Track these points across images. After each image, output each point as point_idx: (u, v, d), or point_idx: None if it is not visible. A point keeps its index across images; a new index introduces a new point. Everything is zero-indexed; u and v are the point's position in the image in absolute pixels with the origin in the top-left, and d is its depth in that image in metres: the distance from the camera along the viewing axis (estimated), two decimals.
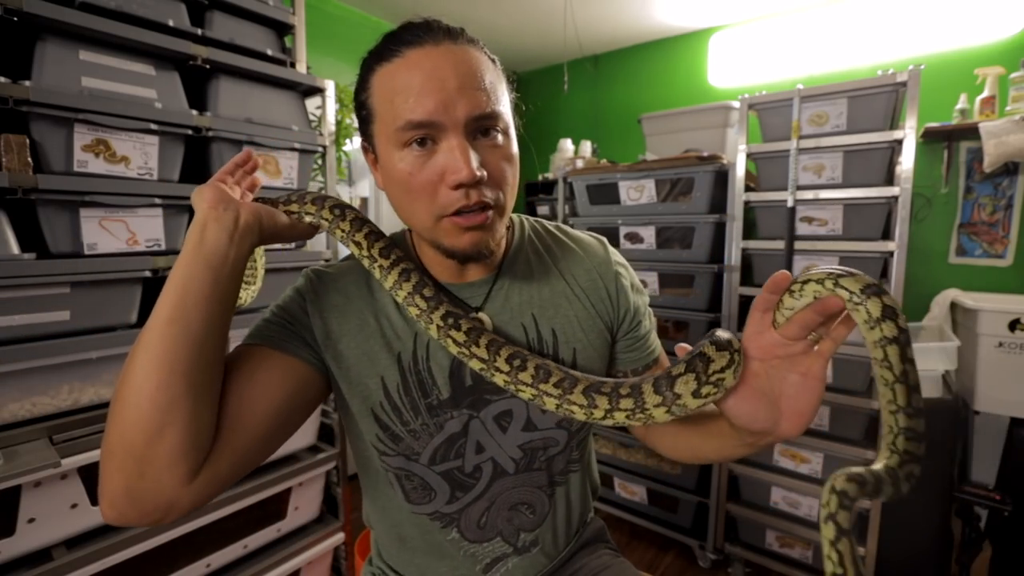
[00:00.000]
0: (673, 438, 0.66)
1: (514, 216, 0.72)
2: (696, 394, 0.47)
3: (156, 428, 0.45)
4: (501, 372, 0.54)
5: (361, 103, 0.59)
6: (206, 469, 0.49)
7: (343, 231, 0.61)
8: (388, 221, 3.09)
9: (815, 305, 0.44)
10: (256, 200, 0.61)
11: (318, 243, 1.99)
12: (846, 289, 0.44)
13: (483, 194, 0.54)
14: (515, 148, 0.59)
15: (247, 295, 0.73)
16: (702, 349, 0.47)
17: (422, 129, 0.53)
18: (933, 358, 1.66)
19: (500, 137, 0.56)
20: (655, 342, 0.73)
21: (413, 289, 0.58)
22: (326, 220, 0.61)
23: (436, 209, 0.55)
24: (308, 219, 0.61)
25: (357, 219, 0.61)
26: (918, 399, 0.44)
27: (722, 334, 0.48)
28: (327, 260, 1.53)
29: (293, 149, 1.41)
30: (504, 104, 0.57)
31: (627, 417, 0.49)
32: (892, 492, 0.42)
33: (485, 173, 0.54)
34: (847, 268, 0.45)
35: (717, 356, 0.46)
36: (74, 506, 1.02)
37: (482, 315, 0.63)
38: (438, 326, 0.56)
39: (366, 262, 0.61)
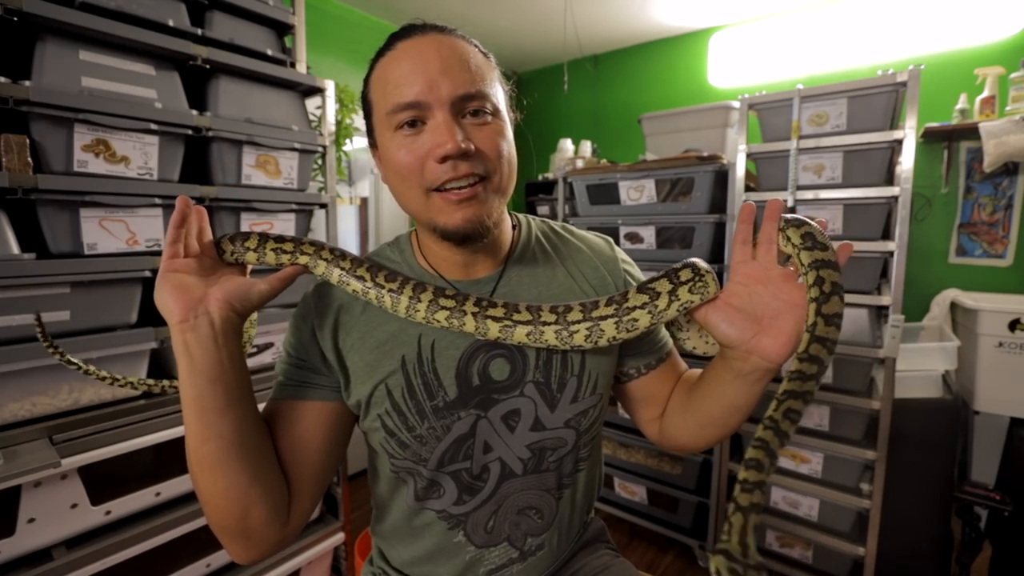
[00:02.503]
0: (683, 415, 0.67)
1: (520, 216, 0.73)
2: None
3: (241, 512, 0.54)
4: (550, 324, 0.55)
5: (364, 99, 0.62)
6: (293, 511, 0.58)
7: (343, 269, 0.60)
8: (388, 222, 3.09)
9: (766, 212, 0.53)
10: (227, 239, 0.59)
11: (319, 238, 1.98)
12: (790, 241, 0.52)
13: (472, 167, 0.55)
14: (508, 130, 0.60)
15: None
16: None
17: (410, 110, 0.55)
18: (933, 358, 1.66)
19: (489, 117, 0.57)
20: (666, 336, 0.73)
21: (434, 295, 0.58)
22: (324, 260, 0.61)
23: (425, 183, 0.56)
24: (303, 260, 0.61)
25: (356, 258, 0.62)
26: (818, 349, 0.46)
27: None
28: None
29: (293, 149, 1.41)
30: (493, 88, 0.58)
31: (690, 290, 0.54)
32: (779, 442, 0.43)
33: (472, 146, 0.55)
34: (799, 218, 0.52)
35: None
36: (74, 506, 1.02)
37: None
38: (472, 313, 0.56)
39: (373, 293, 0.59)
